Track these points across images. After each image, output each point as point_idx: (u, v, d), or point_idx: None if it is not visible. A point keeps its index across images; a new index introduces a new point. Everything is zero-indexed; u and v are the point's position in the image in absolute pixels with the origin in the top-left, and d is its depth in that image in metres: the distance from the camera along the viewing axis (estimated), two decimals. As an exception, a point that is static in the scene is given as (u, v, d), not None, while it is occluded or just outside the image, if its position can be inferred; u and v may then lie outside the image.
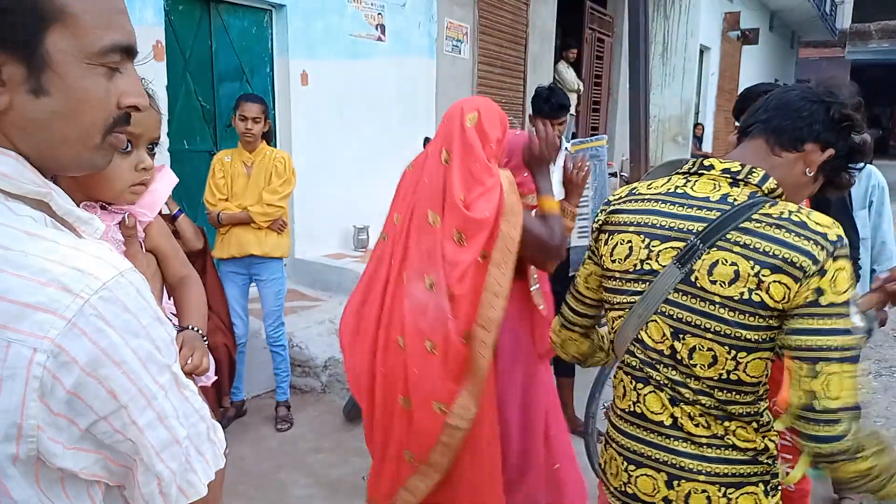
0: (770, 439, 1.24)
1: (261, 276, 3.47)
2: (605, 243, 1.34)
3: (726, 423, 1.21)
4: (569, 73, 8.60)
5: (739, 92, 2.37)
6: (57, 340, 0.59)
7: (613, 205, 1.36)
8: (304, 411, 3.75)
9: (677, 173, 1.32)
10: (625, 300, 1.29)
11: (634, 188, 1.36)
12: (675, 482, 1.23)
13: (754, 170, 1.22)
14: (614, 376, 1.38)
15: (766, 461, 1.23)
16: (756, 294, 1.12)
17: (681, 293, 1.20)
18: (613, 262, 1.31)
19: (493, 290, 1.91)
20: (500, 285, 1.92)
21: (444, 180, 1.95)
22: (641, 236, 1.26)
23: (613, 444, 1.35)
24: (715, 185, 1.24)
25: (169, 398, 0.68)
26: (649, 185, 1.34)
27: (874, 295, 1.50)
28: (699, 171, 1.28)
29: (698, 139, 12.38)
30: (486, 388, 1.97)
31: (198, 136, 4.70)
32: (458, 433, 1.94)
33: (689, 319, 1.19)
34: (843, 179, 1.30)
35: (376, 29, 5.73)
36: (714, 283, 1.15)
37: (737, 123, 2.37)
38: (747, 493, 1.21)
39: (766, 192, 1.21)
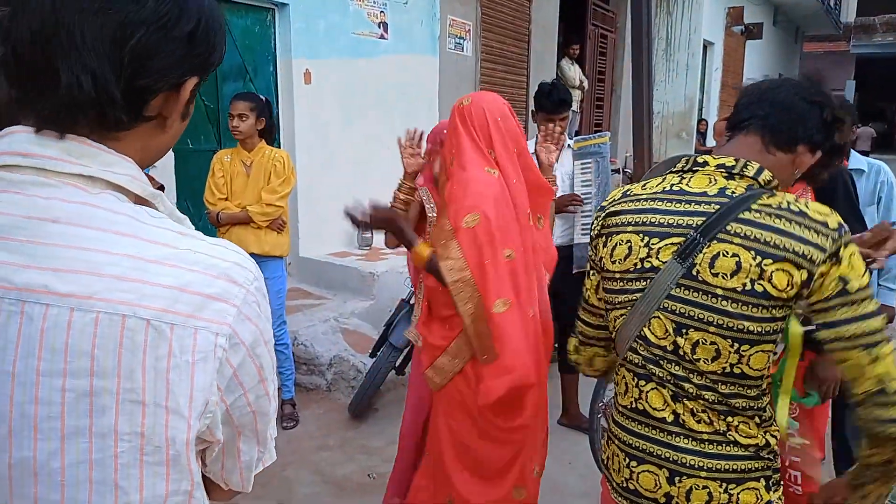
0: (772, 434, 1.24)
1: None
2: (604, 246, 1.33)
3: (729, 419, 1.21)
4: (571, 70, 8.58)
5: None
6: (233, 325, 0.67)
7: (608, 209, 1.36)
8: (309, 409, 3.76)
9: (671, 172, 1.32)
10: (626, 299, 1.29)
11: (628, 190, 1.36)
12: (677, 478, 1.23)
13: (749, 163, 1.22)
14: (616, 373, 1.38)
15: (767, 457, 1.23)
16: (759, 284, 1.12)
17: (683, 288, 1.20)
18: (613, 262, 1.30)
19: None
20: None
21: (525, 175, 2.04)
22: (640, 235, 1.26)
23: (616, 441, 1.35)
24: (710, 179, 1.24)
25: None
26: (644, 186, 1.34)
27: (868, 234, 1.50)
28: (693, 168, 1.28)
29: (702, 135, 12.35)
30: None
31: (202, 135, 4.71)
32: None
33: (691, 314, 1.19)
34: (819, 174, 1.31)
35: (379, 27, 5.73)
36: (716, 275, 1.16)
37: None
38: (749, 489, 1.21)
39: (762, 183, 1.21)
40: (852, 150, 2.72)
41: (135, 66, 0.66)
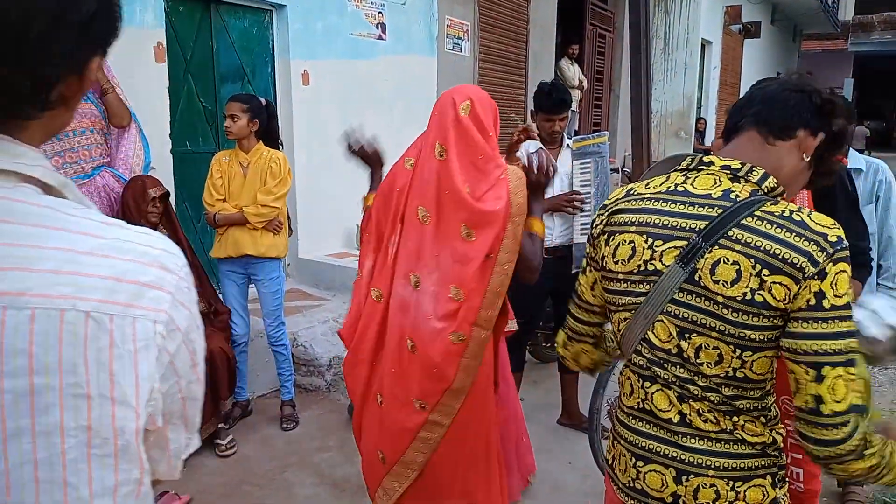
0: (777, 432, 1.25)
1: (258, 276, 3.47)
2: (606, 244, 1.32)
3: (735, 419, 1.21)
4: (570, 70, 8.58)
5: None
6: (169, 312, 0.67)
7: (611, 207, 1.35)
8: (309, 410, 3.76)
9: (676, 170, 1.31)
10: (630, 301, 1.28)
11: (632, 188, 1.35)
12: (684, 477, 1.23)
13: (754, 168, 1.22)
14: (621, 374, 1.38)
15: (773, 454, 1.23)
16: (759, 294, 1.12)
17: (685, 293, 1.19)
18: (616, 263, 1.29)
19: (495, 290, 1.89)
20: (502, 286, 1.90)
21: (439, 175, 1.91)
22: (644, 236, 1.26)
23: (621, 441, 1.35)
24: (715, 180, 1.24)
25: None
26: (647, 184, 1.33)
27: None
28: (698, 167, 1.28)
29: (700, 134, 12.35)
30: (477, 386, 1.96)
31: (200, 137, 4.71)
32: (440, 430, 1.94)
33: (694, 319, 1.19)
34: (831, 166, 1.31)
35: (377, 28, 5.73)
36: (717, 282, 1.15)
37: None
38: (755, 486, 1.21)
39: (765, 190, 1.21)
40: (850, 149, 2.72)
41: (37, 56, 0.63)
